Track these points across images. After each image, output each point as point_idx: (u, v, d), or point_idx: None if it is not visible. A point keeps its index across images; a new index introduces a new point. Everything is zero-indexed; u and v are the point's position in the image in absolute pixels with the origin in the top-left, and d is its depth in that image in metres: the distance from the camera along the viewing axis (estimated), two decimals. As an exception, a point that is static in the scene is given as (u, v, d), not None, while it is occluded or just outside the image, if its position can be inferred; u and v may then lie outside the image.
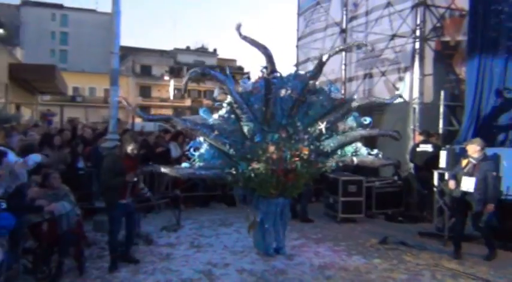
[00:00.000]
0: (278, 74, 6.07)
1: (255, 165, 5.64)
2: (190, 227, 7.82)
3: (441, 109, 9.29)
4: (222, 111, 6.17)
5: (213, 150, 6.02)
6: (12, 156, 5.44)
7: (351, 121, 6.08)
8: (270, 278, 5.29)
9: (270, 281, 5.20)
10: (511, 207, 6.48)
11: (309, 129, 5.90)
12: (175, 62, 49.46)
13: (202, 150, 6.14)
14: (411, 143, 9.82)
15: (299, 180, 5.90)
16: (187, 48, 54.76)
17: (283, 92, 6.00)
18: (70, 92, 34.28)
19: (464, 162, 6.38)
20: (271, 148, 5.69)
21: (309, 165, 5.82)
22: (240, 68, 57.57)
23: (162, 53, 51.19)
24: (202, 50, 55.70)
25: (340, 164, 6.09)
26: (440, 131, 9.02)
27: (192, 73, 6.00)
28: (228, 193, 9.66)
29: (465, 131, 8.95)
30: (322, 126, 5.83)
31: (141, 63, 47.36)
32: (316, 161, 5.87)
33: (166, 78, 46.20)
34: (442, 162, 7.53)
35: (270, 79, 5.84)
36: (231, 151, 5.78)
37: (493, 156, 6.64)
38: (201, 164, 6.06)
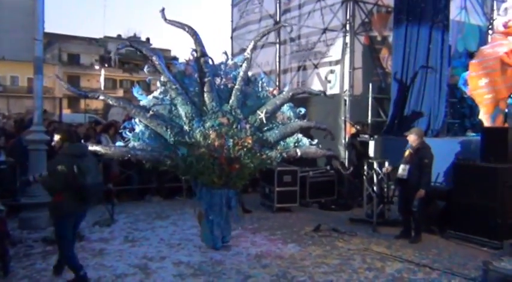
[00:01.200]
0: (209, 58, 5.95)
1: (196, 151, 5.50)
2: (124, 221, 7.61)
3: (369, 101, 9.76)
4: (156, 93, 5.90)
5: (149, 131, 5.73)
6: None
7: (287, 111, 6.17)
8: (207, 269, 5.29)
9: (208, 272, 5.20)
10: (434, 193, 6.96)
11: (249, 119, 5.91)
12: (105, 51, 47.46)
13: (137, 131, 5.78)
14: (342, 134, 10.21)
15: (244, 170, 5.80)
16: (119, 37, 52.58)
17: (218, 80, 5.97)
18: (-11, 82, 31.81)
19: (407, 152, 6.75)
20: (213, 134, 5.57)
21: (253, 156, 5.77)
22: (175, 58, 56.46)
23: (91, 41, 48.84)
24: (134, 39, 53.84)
25: (285, 156, 6.05)
26: (369, 121, 9.47)
27: (121, 45, 5.86)
28: (164, 185, 9.53)
29: (391, 122, 9.49)
30: (262, 116, 5.83)
31: (68, 52, 44.87)
32: (261, 152, 5.85)
33: (97, 67, 44.26)
34: (371, 151, 7.92)
35: (202, 62, 5.76)
36: (169, 134, 5.58)
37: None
38: (136, 144, 5.71)
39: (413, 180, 6.49)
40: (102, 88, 43.31)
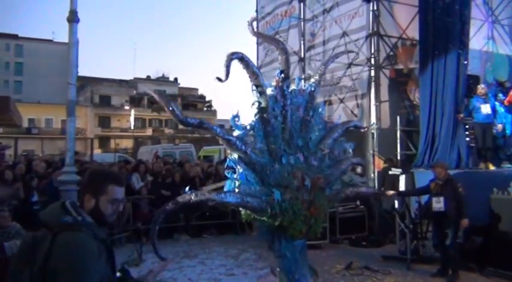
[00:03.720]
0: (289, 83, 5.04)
1: (287, 194, 4.36)
2: (152, 260, 7.54)
3: (398, 134, 9.62)
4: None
5: (248, 171, 4.50)
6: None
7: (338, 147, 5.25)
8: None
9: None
10: (470, 228, 6.66)
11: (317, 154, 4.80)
12: (135, 92, 49.03)
13: (240, 170, 4.53)
14: (371, 168, 10.04)
15: (321, 214, 4.62)
16: (148, 78, 54.47)
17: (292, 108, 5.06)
18: (25, 124, 33.13)
19: (432, 185, 6.59)
20: (298, 174, 4.46)
21: (323, 197, 4.68)
22: (202, 97, 57.67)
23: (121, 82, 50.63)
24: (163, 79, 55.55)
25: (343, 196, 4.94)
26: (398, 155, 9.29)
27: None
28: (191, 223, 9.51)
29: (422, 155, 9.27)
30: (326, 151, 4.78)
31: (100, 93, 46.63)
32: (330, 192, 4.73)
33: (127, 107, 45.59)
34: (402, 185, 7.72)
35: (285, 86, 4.81)
36: (264, 174, 4.46)
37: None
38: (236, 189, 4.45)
39: (451, 212, 6.28)
40: (132, 127, 44.52)
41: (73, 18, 7.98)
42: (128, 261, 7.33)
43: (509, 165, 8.92)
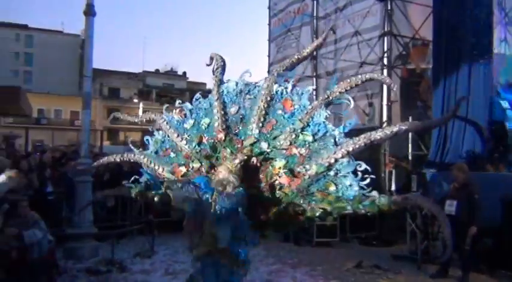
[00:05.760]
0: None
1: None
2: (164, 252, 7.67)
3: (410, 134, 9.61)
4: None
5: None
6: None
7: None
8: (249, 305, 5.22)
9: (250, 308, 5.13)
10: (481, 230, 6.68)
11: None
12: (144, 85, 49.14)
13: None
14: (382, 168, 10.06)
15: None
16: (157, 71, 54.56)
17: None
18: (35, 114, 33.34)
19: (452, 186, 6.58)
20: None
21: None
22: (210, 91, 57.56)
23: (130, 75, 50.75)
24: (171, 73, 55.61)
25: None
26: (409, 155, 9.30)
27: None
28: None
29: (433, 156, 9.28)
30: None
31: (109, 86, 46.77)
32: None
33: (135, 100, 45.74)
34: (414, 185, 7.75)
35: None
36: None
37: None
38: None
39: (463, 217, 6.24)
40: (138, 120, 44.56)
41: (90, 12, 8.06)
42: (140, 252, 7.45)
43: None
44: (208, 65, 4.65)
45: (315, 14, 13.70)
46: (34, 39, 50.51)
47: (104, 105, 41.66)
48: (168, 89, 48.81)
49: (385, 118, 10.74)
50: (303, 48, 13.86)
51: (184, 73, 56.54)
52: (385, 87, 10.82)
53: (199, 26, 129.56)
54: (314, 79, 13.42)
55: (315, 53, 13.29)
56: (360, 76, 3.94)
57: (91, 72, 8.24)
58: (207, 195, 3.61)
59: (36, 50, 50.02)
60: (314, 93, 13.34)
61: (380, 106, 10.96)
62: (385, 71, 10.98)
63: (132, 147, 4.62)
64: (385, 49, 11.18)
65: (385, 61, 11.06)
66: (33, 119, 33.00)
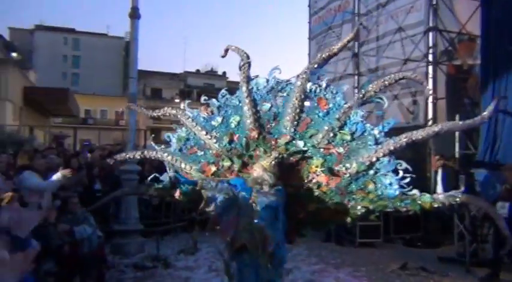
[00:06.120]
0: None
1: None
2: (207, 250, 7.76)
3: (456, 133, 9.28)
4: None
5: None
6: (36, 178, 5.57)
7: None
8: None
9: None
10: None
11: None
12: (185, 85, 50.02)
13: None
14: (428, 168, 9.78)
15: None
16: (197, 72, 55.43)
17: None
18: (82, 115, 34.68)
19: (503, 187, 6.35)
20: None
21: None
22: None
23: (172, 76, 51.80)
24: (211, 73, 56.33)
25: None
26: (457, 155, 8.99)
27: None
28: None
29: (482, 155, 8.93)
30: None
31: (151, 86, 47.94)
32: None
33: (177, 100, 46.66)
34: (462, 186, 7.48)
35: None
36: None
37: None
38: None
39: None
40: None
41: (135, 15, 8.28)
42: (184, 249, 7.59)
43: None
44: (223, 57, 4.61)
45: (356, 11, 13.48)
46: (81, 42, 52.48)
47: (147, 105, 42.65)
48: (208, 89, 49.46)
49: (430, 116, 10.43)
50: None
51: (224, 73, 57.13)
52: (430, 84, 10.51)
53: (239, 26, 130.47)
54: (356, 77, 13.21)
55: (356, 50, 13.14)
56: (392, 75, 3.94)
57: (136, 73, 8.47)
58: (244, 194, 3.64)
59: (82, 53, 51.96)
60: (356, 91, 13.18)
61: (425, 104, 10.66)
62: (430, 68, 10.66)
63: (153, 145, 4.62)
64: (430, 45, 10.86)
65: (430, 57, 10.74)
66: (80, 119, 34.37)
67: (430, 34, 10.90)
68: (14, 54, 35.59)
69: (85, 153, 11.69)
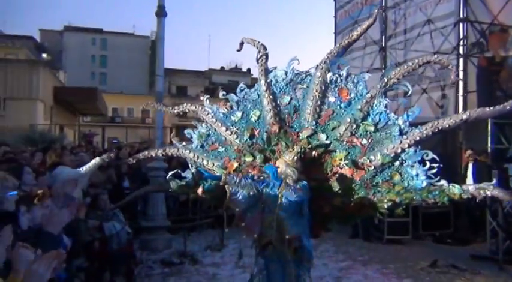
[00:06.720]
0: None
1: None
2: (233, 246, 7.78)
3: (489, 127, 9.01)
4: None
5: None
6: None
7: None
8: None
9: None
10: None
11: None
12: (210, 82, 50.27)
13: None
14: (459, 162, 9.53)
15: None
16: (222, 69, 55.62)
17: None
18: (110, 113, 35.32)
19: None
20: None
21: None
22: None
23: (197, 73, 52.15)
24: (236, 70, 56.40)
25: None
26: (489, 149, 8.73)
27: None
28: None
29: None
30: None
31: (177, 84, 48.37)
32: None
33: (202, 98, 46.95)
34: (495, 181, 7.25)
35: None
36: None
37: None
38: None
39: None
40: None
41: (161, 13, 8.35)
42: (211, 245, 7.64)
43: None
44: (238, 50, 4.57)
45: (383, 4, 13.23)
46: (108, 42, 53.42)
47: (173, 103, 43.07)
48: (233, 86, 49.60)
49: (460, 110, 10.15)
50: (370, 39, 13.40)
51: (249, 70, 57.08)
52: (461, 76, 10.23)
53: (262, 22, 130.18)
54: (383, 71, 12.95)
55: (383, 44, 12.91)
56: (416, 60, 3.78)
57: (163, 71, 8.54)
58: (273, 187, 3.62)
59: (109, 52, 52.89)
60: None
61: (455, 97, 10.40)
62: (460, 61, 10.40)
63: (175, 142, 4.60)
64: (461, 37, 10.57)
65: (461, 50, 10.46)
66: (108, 118, 35.01)
67: (461, 25, 10.63)
68: (45, 55, 36.59)
69: (113, 150, 11.89)
